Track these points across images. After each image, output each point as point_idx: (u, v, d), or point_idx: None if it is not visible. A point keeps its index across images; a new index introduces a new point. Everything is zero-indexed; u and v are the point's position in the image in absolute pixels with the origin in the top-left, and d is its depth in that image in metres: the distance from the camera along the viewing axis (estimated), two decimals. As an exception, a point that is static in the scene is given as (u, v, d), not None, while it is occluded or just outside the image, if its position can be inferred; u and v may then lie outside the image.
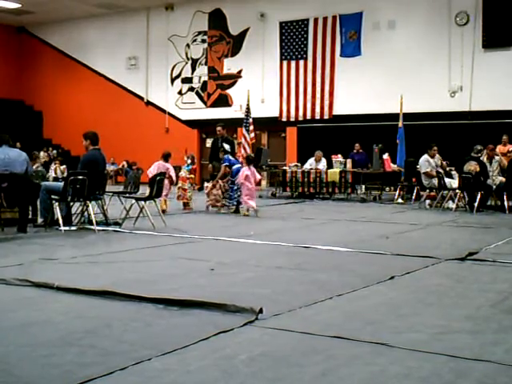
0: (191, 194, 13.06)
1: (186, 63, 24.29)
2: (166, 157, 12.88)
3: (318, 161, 16.95)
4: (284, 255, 7.10)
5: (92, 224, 9.19)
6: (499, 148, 14.90)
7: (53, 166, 19.21)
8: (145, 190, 10.95)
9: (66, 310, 4.46)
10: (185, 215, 12.11)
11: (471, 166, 12.89)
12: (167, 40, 24.40)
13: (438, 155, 14.47)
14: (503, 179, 12.97)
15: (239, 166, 12.44)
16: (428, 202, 13.93)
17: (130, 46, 25.35)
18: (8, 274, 5.61)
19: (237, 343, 3.67)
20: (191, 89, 24.21)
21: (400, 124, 16.37)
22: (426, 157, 14.03)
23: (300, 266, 6.37)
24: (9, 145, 9.30)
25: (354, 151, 17.67)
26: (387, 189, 17.62)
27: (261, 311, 4.24)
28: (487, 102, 17.99)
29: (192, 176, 13.43)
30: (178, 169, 13.99)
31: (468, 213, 12.47)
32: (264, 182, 21.02)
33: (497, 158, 13.55)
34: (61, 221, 8.90)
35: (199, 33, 23.85)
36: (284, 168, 17.67)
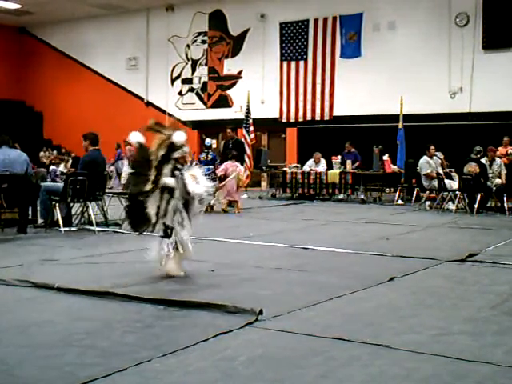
0: None
1: (186, 64, 24.29)
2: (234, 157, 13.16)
3: (317, 162, 16.94)
4: (284, 256, 7.10)
5: (92, 225, 9.19)
6: (500, 150, 14.90)
7: (53, 167, 19.19)
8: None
9: (66, 311, 4.46)
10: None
11: (471, 168, 12.89)
12: (167, 41, 24.40)
13: (439, 153, 14.45)
14: (499, 180, 12.97)
15: (210, 166, 12.85)
16: (428, 203, 13.92)
17: (130, 47, 25.35)
18: (8, 274, 5.61)
19: (237, 344, 3.68)
20: (191, 89, 24.21)
21: (400, 125, 16.36)
22: (425, 158, 14.04)
23: (300, 267, 6.38)
24: (9, 146, 9.30)
25: (346, 151, 17.46)
26: (387, 190, 17.60)
27: (261, 312, 4.24)
28: (487, 103, 17.98)
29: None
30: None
31: (468, 214, 12.46)
32: (264, 183, 21.02)
33: (498, 160, 13.52)
34: (61, 222, 8.91)
35: (199, 33, 23.85)
36: (284, 169, 17.66)
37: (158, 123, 5.84)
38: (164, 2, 23.88)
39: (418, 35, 19.46)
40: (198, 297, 4.70)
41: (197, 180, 5.74)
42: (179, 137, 5.69)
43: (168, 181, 5.60)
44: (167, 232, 5.70)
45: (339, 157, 16.69)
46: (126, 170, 12.79)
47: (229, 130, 14.67)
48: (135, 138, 5.81)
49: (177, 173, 5.69)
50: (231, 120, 21.30)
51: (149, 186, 5.57)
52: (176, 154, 5.70)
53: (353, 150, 17.29)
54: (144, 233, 5.87)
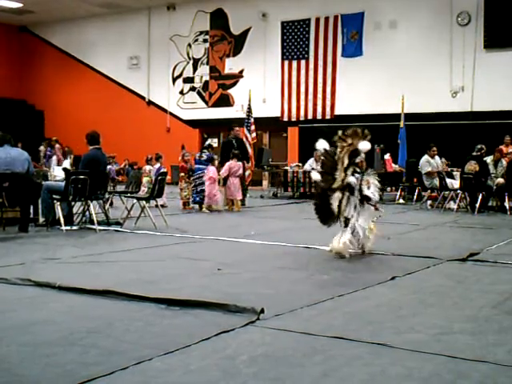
0: (187, 194, 13.00)
1: (188, 63, 24.29)
2: (236, 156, 13.19)
3: (317, 161, 16.93)
4: (285, 255, 7.11)
5: (93, 224, 9.20)
6: (502, 149, 14.87)
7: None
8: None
9: (67, 310, 4.47)
10: (186, 215, 12.12)
11: (470, 166, 12.89)
12: (169, 40, 24.40)
13: (443, 159, 14.45)
14: (501, 180, 12.96)
15: (202, 166, 12.74)
16: (429, 202, 13.92)
17: (131, 46, 25.36)
18: (10, 273, 5.62)
19: (238, 343, 3.68)
20: (193, 88, 24.21)
21: (401, 124, 16.37)
22: (426, 157, 14.04)
23: (301, 266, 6.38)
24: (10, 144, 9.31)
25: None
26: (388, 189, 17.60)
27: (262, 311, 4.24)
28: (489, 102, 17.98)
29: (182, 174, 13.22)
30: (175, 169, 14.00)
31: (469, 213, 12.46)
32: (265, 182, 21.03)
33: (504, 162, 13.48)
34: (62, 220, 8.91)
35: (201, 32, 23.85)
36: (285, 168, 17.66)
37: (344, 133, 7.02)
38: (165, 0, 23.88)
39: (420, 34, 19.45)
40: (199, 296, 4.70)
41: (369, 185, 6.97)
42: (364, 145, 6.93)
43: (352, 180, 6.86)
44: (347, 223, 6.93)
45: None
46: (57, 168, 12.80)
47: (237, 128, 14.66)
48: (321, 145, 7.21)
49: (357, 175, 6.91)
50: (232, 119, 21.30)
51: (336, 184, 6.91)
52: (357, 160, 6.95)
53: None
54: (331, 226, 7.14)
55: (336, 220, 7.05)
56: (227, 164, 13.02)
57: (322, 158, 7.49)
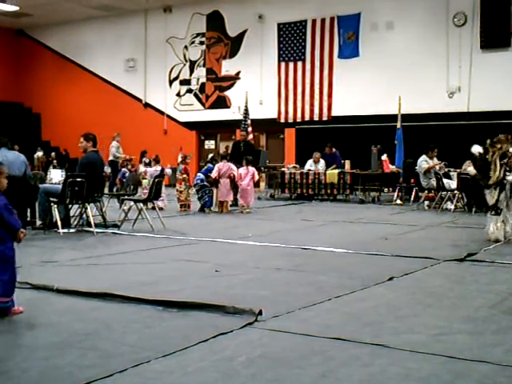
0: (186, 196, 12.98)
1: (184, 65, 24.30)
2: (225, 156, 13.52)
3: (316, 162, 16.96)
4: (283, 257, 7.10)
5: (91, 226, 9.19)
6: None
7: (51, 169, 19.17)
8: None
9: (65, 312, 4.46)
10: (183, 217, 12.11)
11: (466, 166, 12.91)
12: (165, 42, 24.41)
13: (435, 159, 14.47)
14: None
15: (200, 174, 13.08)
16: (427, 202, 13.92)
17: (128, 48, 25.35)
18: (7, 276, 5.60)
19: (236, 345, 3.68)
20: (189, 90, 24.21)
21: (398, 125, 16.37)
22: (424, 157, 14.07)
23: (299, 267, 6.38)
24: (7, 147, 9.29)
25: (326, 152, 17.37)
26: (386, 190, 17.60)
27: (260, 313, 4.24)
28: (485, 102, 18.00)
29: (184, 176, 13.21)
30: (173, 171, 14.03)
31: (467, 213, 12.46)
32: (263, 184, 21.02)
33: None
34: (59, 223, 8.90)
35: (197, 35, 23.86)
36: (283, 169, 17.66)
37: (494, 140, 8.53)
38: (162, 3, 23.88)
39: (416, 35, 19.47)
40: (197, 297, 4.70)
41: None
42: None
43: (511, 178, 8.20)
44: (498, 211, 8.23)
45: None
46: (53, 171, 12.89)
47: (243, 133, 15.45)
48: (476, 149, 8.66)
49: (508, 174, 8.20)
50: (229, 121, 21.34)
51: (492, 181, 8.24)
52: (504, 160, 8.29)
53: (333, 150, 17.23)
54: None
55: (489, 208, 8.41)
56: (216, 166, 13.04)
57: (478, 159, 8.83)
